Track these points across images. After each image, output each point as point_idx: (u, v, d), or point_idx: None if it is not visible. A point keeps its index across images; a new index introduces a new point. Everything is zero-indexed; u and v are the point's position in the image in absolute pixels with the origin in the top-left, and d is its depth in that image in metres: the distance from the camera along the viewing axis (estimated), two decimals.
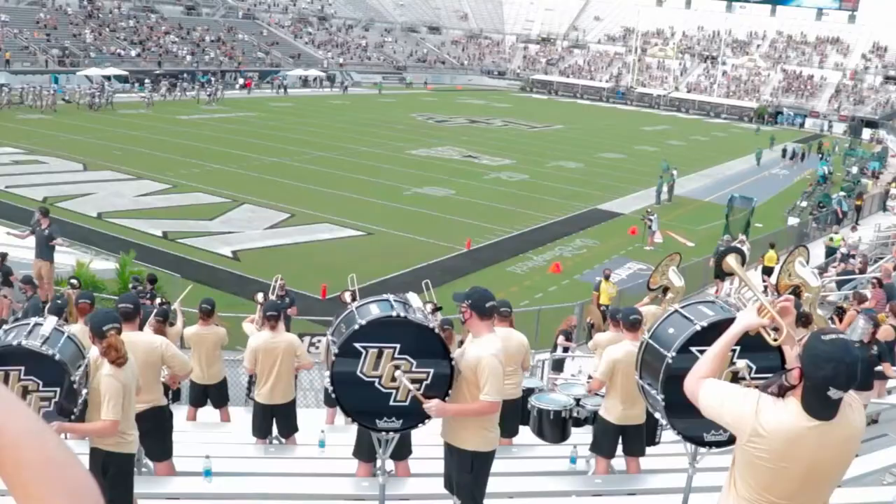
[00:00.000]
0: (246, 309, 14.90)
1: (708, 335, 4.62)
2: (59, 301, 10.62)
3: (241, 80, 73.90)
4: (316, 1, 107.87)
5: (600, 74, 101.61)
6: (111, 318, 6.09)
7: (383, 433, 5.74)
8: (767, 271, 22.25)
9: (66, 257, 19.31)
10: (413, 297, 5.84)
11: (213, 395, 10.79)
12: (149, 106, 56.06)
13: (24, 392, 5.50)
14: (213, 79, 69.99)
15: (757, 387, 3.53)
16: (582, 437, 8.80)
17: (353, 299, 8.03)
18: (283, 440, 9.40)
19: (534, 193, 35.71)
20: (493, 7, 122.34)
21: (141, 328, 7.49)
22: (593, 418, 8.45)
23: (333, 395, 5.60)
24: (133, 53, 74.49)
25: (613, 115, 78.35)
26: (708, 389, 3.58)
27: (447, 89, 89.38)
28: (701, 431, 5.26)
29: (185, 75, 71.16)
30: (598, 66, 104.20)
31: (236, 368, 12.28)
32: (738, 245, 21.39)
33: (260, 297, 11.77)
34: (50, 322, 5.89)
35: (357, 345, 5.39)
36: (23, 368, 5.46)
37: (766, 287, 15.89)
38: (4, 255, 16.63)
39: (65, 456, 1.23)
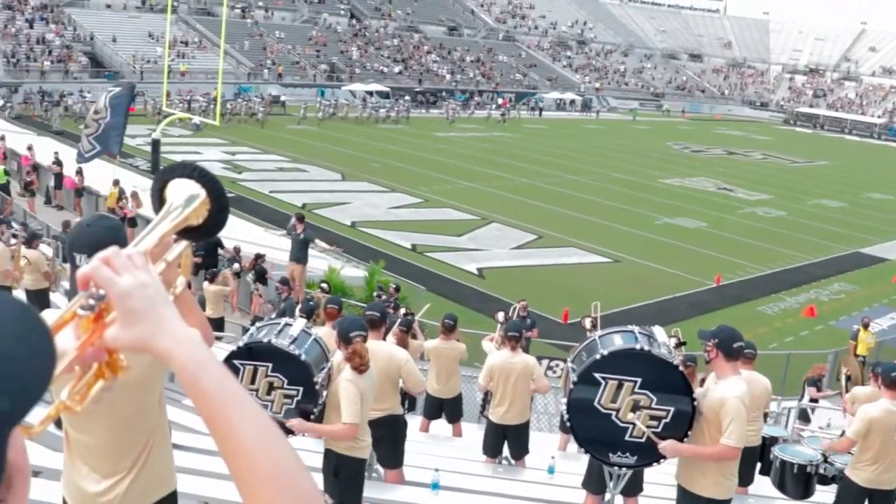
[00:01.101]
0: (486, 326, 15.00)
1: None
2: (310, 303, 11.07)
3: (498, 101, 75.09)
4: (576, 25, 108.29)
5: (872, 109, 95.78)
6: (358, 326, 6.24)
7: (616, 468, 5.54)
8: None
9: (319, 262, 20.25)
10: (659, 331, 5.62)
11: (448, 408, 10.90)
12: (407, 121, 58.14)
13: (270, 388, 5.73)
14: (473, 98, 71.64)
15: None
16: (827, 496, 8.18)
17: (594, 327, 7.84)
18: (513, 461, 9.32)
19: (791, 231, 34.01)
20: (759, 35, 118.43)
21: (384, 337, 7.64)
22: (840, 477, 7.83)
23: (568, 423, 5.47)
24: (395, 70, 77.52)
25: (885, 152, 73.59)
26: None
27: (705, 118, 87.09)
28: None
29: (443, 93, 73.23)
30: (871, 100, 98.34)
31: (472, 385, 12.35)
32: None
33: (500, 316, 11.81)
34: (299, 324, 6.11)
35: (597, 374, 5.23)
36: (270, 365, 5.69)
37: None
38: (260, 256, 17.61)
39: (295, 465, 1.25)
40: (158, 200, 1.61)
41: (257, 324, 6.48)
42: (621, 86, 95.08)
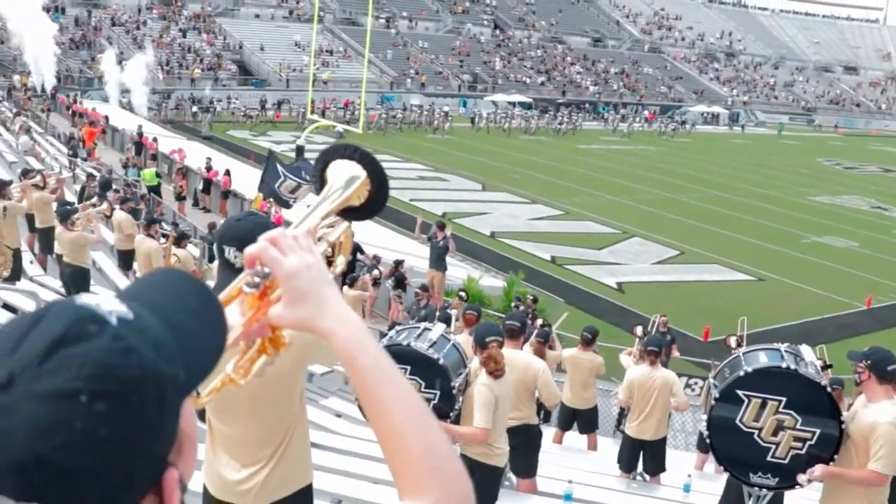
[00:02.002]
0: (624, 341, 14.82)
1: None
2: (448, 310, 11.17)
3: (644, 113, 74.10)
4: (725, 36, 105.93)
5: None
6: (495, 331, 6.28)
7: (755, 488, 5.38)
8: None
9: (458, 271, 20.39)
10: (806, 350, 5.44)
11: (582, 420, 10.83)
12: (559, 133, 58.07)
13: None
14: (619, 111, 71.07)
15: None
16: None
17: (739, 345, 7.65)
18: (649, 478, 9.18)
19: None
20: None
21: (522, 346, 7.65)
22: None
23: (708, 441, 5.36)
24: (538, 82, 77.47)
25: None
26: None
27: (860, 134, 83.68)
28: None
29: (587, 105, 72.80)
30: None
31: (607, 398, 12.23)
32: None
33: (639, 330, 11.68)
34: (438, 328, 6.18)
35: (740, 392, 5.11)
36: (409, 368, 5.77)
37: None
38: (400, 262, 17.85)
39: (445, 447, 1.30)
40: (319, 181, 1.66)
41: (397, 327, 6.59)
42: (770, 99, 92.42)
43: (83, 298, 0.98)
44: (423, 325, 6.38)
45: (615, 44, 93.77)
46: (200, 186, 28.00)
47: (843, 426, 5.10)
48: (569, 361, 10.64)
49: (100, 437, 0.89)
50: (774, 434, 5.09)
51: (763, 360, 5.17)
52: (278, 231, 1.34)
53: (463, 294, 15.14)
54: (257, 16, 74.01)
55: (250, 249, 1.32)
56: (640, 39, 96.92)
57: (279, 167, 20.07)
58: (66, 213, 12.27)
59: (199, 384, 1.06)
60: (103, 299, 0.99)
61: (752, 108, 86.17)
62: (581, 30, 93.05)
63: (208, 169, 27.49)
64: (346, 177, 1.61)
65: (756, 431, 5.12)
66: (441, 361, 5.80)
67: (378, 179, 1.65)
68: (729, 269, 26.87)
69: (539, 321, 14.37)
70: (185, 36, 65.49)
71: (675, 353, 14.96)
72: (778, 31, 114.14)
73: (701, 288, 24.85)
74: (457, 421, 6.11)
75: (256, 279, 1.30)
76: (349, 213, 1.64)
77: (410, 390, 1.31)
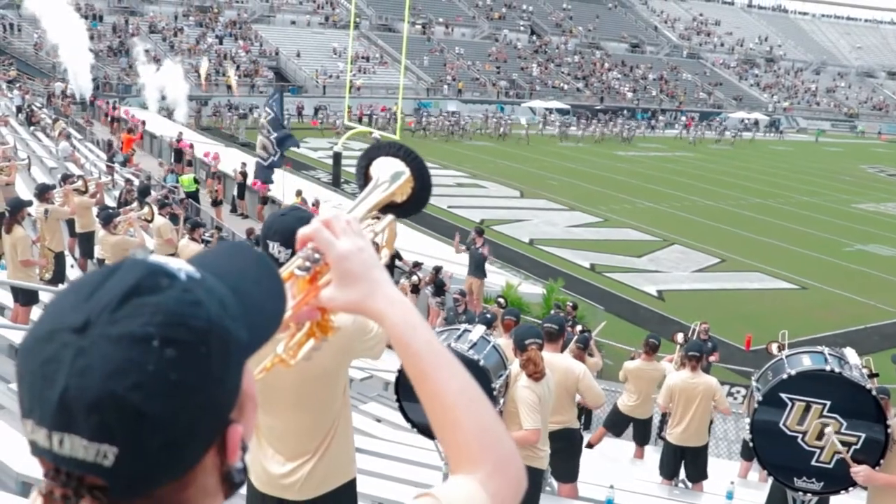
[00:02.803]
0: (665, 349, 14.74)
1: None
2: (487, 316, 11.17)
3: (682, 119, 73.70)
4: (765, 42, 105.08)
5: None
6: (533, 333, 6.29)
7: (800, 493, 5.33)
8: None
9: (497, 277, 20.38)
10: (851, 353, 5.38)
11: (638, 429, 10.90)
12: (598, 139, 57.95)
13: None
14: (657, 117, 70.85)
15: None
16: None
17: (781, 350, 7.56)
18: (690, 485, 9.12)
19: None
20: None
21: (562, 351, 7.63)
22: None
23: (751, 444, 5.31)
24: (576, 88, 77.29)
25: None
26: None
27: None
28: None
29: (625, 112, 72.52)
30: None
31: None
32: None
33: (680, 337, 11.65)
34: (479, 329, 6.19)
35: (783, 395, 5.06)
36: None
37: None
38: (439, 269, 17.87)
39: (498, 426, 1.33)
40: (364, 177, 1.69)
41: (437, 329, 6.60)
42: (812, 105, 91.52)
43: (153, 257, 1.04)
44: (464, 326, 6.39)
45: (653, 49, 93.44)
46: (236, 192, 28.21)
47: (889, 431, 5.04)
48: (633, 373, 10.65)
49: (170, 381, 0.94)
50: (818, 438, 5.04)
51: (807, 362, 5.12)
52: (332, 214, 1.37)
53: (501, 300, 15.13)
54: (293, 22, 74.52)
55: (304, 230, 1.35)
56: (679, 45, 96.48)
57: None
58: (108, 217, 12.45)
59: (260, 346, 1.10)
60: (172, 259, 1.05)
61: (793, 115, 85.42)
62: (619, 35, 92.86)
63: (244, 174, 27.69)
64: (391, 172, 1.64)
65: (800, 435, 5.07)
66: (481, 363, 5.80)
67: (422, 177, 1.67)
68: (771, 276, 26.59)
69: (578, 327, 14.33)
70: (221, 42, 66.08)
71: (715, 359, 14.86)
72: (819, 35, 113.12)
73: (742, 296, 24.61)
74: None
75: (308, 263, 1.34)
76: (391, 209, 1.67)
77: (462, 370, 1.34)
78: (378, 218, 1.66)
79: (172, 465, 0.99)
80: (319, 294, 1.35)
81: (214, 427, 1.02)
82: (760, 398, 5.14)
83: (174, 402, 0.95)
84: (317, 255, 1.34)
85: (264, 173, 24.66)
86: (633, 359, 11.51)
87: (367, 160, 1.69)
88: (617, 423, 10.95)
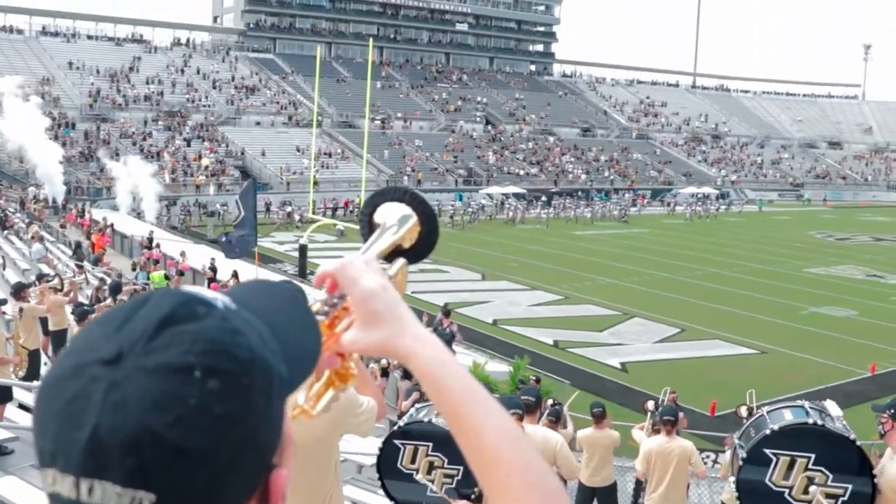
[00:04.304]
0: (632, 419, 14.74)
1: None
2: None
3: (631, 198, 74.79)
4: (709, 119, 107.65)
5: None
6: (514, 403, 6.27)
7: None
8: None
9: (464, 357, 20.38)
10: (832, 406, 5.41)
11: (602, 498, 10.67)
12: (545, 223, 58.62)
13: (430, 467, 5.75)
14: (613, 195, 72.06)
15: None
16: None
17: (751, 414, 7.61)
18: None
19: None
20: None
21: (538, 422, 7.60)
22: None
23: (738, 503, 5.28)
24: (532, 172, 78.44)
25: None
26: None
27: (848, 206, 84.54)
28: None
29: (579, 193, 73.55)
30: None
31: (623, 474, 12.11)
32: None
33: (651, 404, 11.64)
34: None
35: (768, 451, 5.05)
36: (430, 445, 5.71)
37: None
38: None
39: (541, 463, 1.24)
40: (368, 226, 1.62)
41: (416, 405, 6.54)
42: (759, 177, 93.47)
43: (185, 287, 0.97)
44: None
45: (604, 132, 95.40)
46: (206, 286, 28.07)
47: (876, 481, 5.05)
48: (585, 441, 10.55)
49: (214, 415, 0.85)
50: (805, 492, 5.03)
51: (788, 417, 5.13)
52: (349, 257, 1.31)
53: None
54: (258, 123, 76.06)
55: (324, 268, 1.29)
56: (628, 127, 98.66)
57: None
58: (83, 314, 12.40)
59: (298, 385, 1.04)
60: (205, 289, 0.97)
61: (741, 187, 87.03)
62: (570, 121, 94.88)
63: (213, 269, 27.64)
64: (398, 216, 1.58)
65: (786, 490, 5.06)
66: None
67: (429, 220, 1.61)
68: (731, 343, 26.84)
69: (549, 401, 14.27)
70: (189, 145, 67.05)
71: (684, 426, 14.86)
72: (761, 111, 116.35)
73: (704, 364, 24.77)
74: (479, 501, 6.03)
75: (326, 308, 1.26)
76: (397, 255, 1.58)
77: (499, 407, 1.26)
78: (389, 263, 1.58)
79: None
80: (341, 339, 1.26)
81: (258, 469, 0.91)
82: (745, 455, 5.13)
83: (218, 438, 0.85)
84: (335, 300, 1.27)
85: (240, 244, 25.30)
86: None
87: (371, 207, 1.62)
88: (581, 498, 10.82)
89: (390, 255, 1.58)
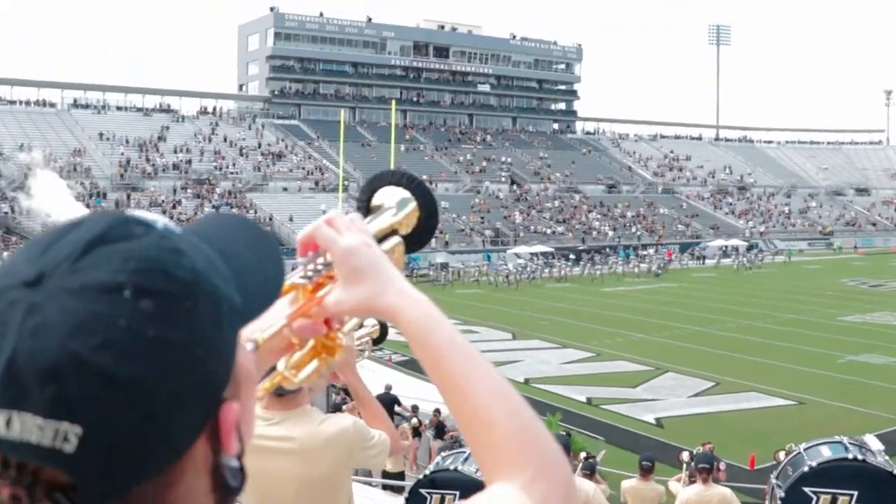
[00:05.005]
0: (669, 474, 14.49)
1: None
2: None
3: (664, 251, 74.37)
4: (735, 171, 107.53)
5: None
6: None
7: None
8: None
9: None
10: (872, 440, 5.28)
11: None
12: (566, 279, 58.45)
13: None
14: (643, 252, 71.85)
15: None
16: None
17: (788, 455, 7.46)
18: None
19: None
20: None
21: None
22: None
23: None
24: (559, 231, 78.48)
25: None
26: None
27: (880, 252, 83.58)
28: None
29: (607, 249, 73.46)
30: None
31: None
32: None
33: (685, 455, 11.49)
34: None
35: (807, 489, 4.92)
36: (457, 494, 5.62)
37: None
38: (438, 411, 17.68)
39: (536, 422, 1.16)
40: (366, 211, 1.55)
41: (443, 453, 6.45)
42: (787, 227, 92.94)
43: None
44: (469, 449, 6.23)
45: (629, 188, 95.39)
46: None
47: None
48: (629, 493, 10.40)
49: (146, 338, 0.76)
50: None
51: (827, 453, 5.00)
52: (334, 212, 1.25)
53: None
54: (285, 189, 77.11)
55: (304, 232, 1.22)
56: (653, 182, 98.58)
57: None
58: None
59: (255, 316, 0.95)
60: (144, 212, 0.88)
61: (770, 238, 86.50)
62: (595, 178, 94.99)
63: None
64: (397, 199, 1.52)
65: None
66: None
67: (428, 206, 1.53)
68: (768, 395, 26.45)
69: (583, 454, 14.11)
70: (217, 211, 67.78)
71: (723, 477, 14.60)
72: (786, 161, 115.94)
73: (741, 416, 24.39)
74: None
75: (310, 273, 1.21)
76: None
77: (493, 369, 1.18)
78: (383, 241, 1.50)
79: (155, 451, 0.78)
80: (324, 301, 1.20)
81: (205, 402, 0.82)
82: (783, 495, 5.00)
83: (153, 365, 0.76)
84: (321, 266, 1.22)
85: None
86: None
87: (369, 192, 1.56)
88: None
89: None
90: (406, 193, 1.52)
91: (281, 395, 3.29)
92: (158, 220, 0.86)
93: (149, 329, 0.76)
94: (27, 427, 0.73)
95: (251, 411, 0.95)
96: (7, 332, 0.75)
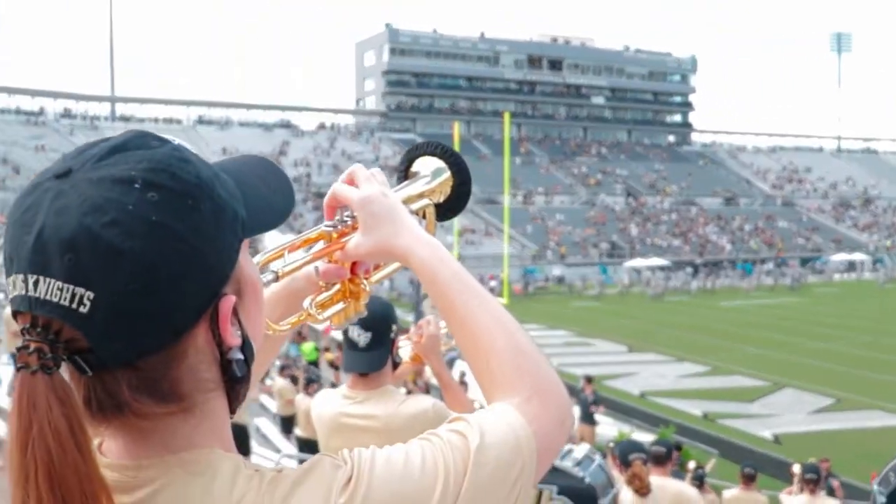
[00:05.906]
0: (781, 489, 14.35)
1: None
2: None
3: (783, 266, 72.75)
4: (858, 183, 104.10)
5: None
6: (637, 448, 6.28)
7: None
8: None
9: (609, 428, 20.27)
10: None
11: None
12: (692, 292, 57.61)
13: None
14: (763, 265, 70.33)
15: None
16: None
17: None
18: None
19: None
20: None
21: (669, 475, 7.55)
22: None
23: None
24: (675, 244, 77.42)
25: None
26: None
27: None
28: None
29: (724, 263, 72.09)
30: None
31: None
32: None
33: (797, 467, 11.37)
34: (583, 448, 6.24)
35: None
36: (555, 488, 5.82)
37: None
38: None
39: (537, 353, 1.25)
40: (404, 178, 1.61)
41: None
42: None
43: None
44: (568, 445, 6.39)
45: (747, 201, 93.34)
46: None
47: None
48: (732, 503, 10.38)
49: (150, 221, 0.92)
50: None
51: None
52: (357, 165, 1.37)
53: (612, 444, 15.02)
54: None
55: (328, 195, 1.35)
56: (772, 195, 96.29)
57: None
58: None
59: (260, 232, 1.10)
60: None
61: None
62: (712, 191, 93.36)
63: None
64: (433, 168, 1.58)
65: None
66: (587, 480, 5.82)
67: (461, 173, 1.58)
68: (893, 413, 25.68)
69: (692, 463, 14.09)
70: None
71: (838, 494, 14.38)
72: None
73: (864, 435, 23.77)
74: None
75: (336, 223, 1.35)
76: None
77: (496, 303, 1.29)
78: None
79: (156, 325, 0.94)
80: (346, 247, 1.34)
81: (203, 288, 0.98)
82: (884, 500, 5.06)
83: (154, 244, 0.92)
84: (346, 217, 1.35)
85: None
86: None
87: (406, 163, 1.61)
88: None
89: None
90: (441, 163, 1.58)
91: (364, 374, 3.47)
92: (174, 139, 1.04)
93: (153, 214, 0.93)
94: (50, 289, 0.90)
95: (257, 317, 1.10)
96: (38, 212, 0.93)
